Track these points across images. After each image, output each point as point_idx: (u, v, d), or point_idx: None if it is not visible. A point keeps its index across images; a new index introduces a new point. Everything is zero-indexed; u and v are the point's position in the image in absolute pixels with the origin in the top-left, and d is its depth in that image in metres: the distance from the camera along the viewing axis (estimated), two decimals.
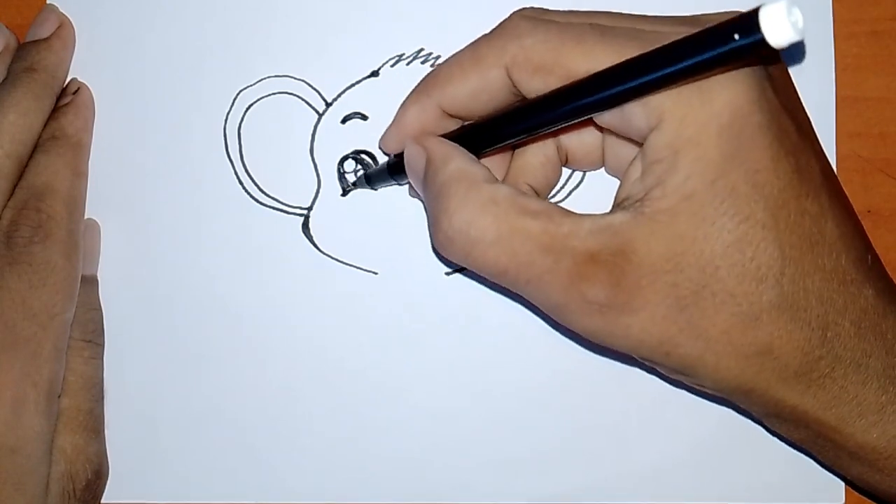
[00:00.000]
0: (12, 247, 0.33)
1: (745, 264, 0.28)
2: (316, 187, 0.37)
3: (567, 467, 0.37)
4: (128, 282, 0.37)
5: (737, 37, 0.24)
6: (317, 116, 0.38)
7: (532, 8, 0.32)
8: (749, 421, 0.36)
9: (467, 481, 0.37)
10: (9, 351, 0.33)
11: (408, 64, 0.37)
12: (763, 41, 0.23)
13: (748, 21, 0.23)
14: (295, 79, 0.37)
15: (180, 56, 0.38)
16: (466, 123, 0.33)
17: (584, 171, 0.37)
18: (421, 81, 0.33)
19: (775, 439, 0.36)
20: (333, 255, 0.37)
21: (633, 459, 0.37)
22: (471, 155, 0.31)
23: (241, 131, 0.38)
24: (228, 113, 0.38)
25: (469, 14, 0.37)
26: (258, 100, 0.38)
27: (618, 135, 0.31)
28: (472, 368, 0.37)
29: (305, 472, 0.37)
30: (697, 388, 0.32)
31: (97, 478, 0.35)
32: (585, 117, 0.29)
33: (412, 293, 0.37)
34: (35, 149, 0.35)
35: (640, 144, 0.29)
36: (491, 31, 0.32)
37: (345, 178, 0.37)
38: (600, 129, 0.33)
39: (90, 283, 0.37)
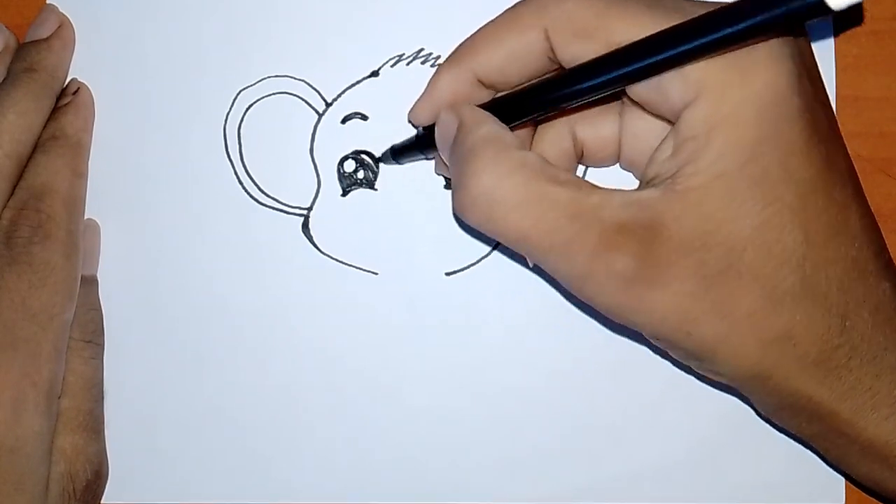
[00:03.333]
0: (12, 247, 0.33)
1: (770, 247, 0.28)
2: (316, 187, 0.37)
3: (567, 467, 0.37)
4: (127, 282, 0.37)
5: None
6: (317, 116, 0.38)
7: None
8: (749, 421, 0.36)
9: (467, 481, 0.37)
10: (8, 351, 0.33)
11: (408, 64, 0.37)
12: (823, 3, 0.23)
13: None
14: (295, 79, 0.37)
15: (180, 56, 0.38)
16: (499, 95, 0.33)
17: (584, 174, 0.37)
18: (454, 51, 0.33)
19: (775, 439, 0.36)
20: (333, 256, 0.37)
21: (633, 459, 0.37)
22: (502, 123, 0.31)
23: (241, 131, 0.38)
24: (228, 113, 0.38)
25: (469, 14, 0.37)
26: (258, 100, 0.38)
27: (647, 111, 0.31)
28: (472, 368, 0.37)
29: (305, 472, 0.37)
30: (710, 375, 0.31)
31: (97, 478, 0.35)
32: (623, 86, 0.29)
33: (412, 293, 0.37)
34: (35, 149, 0.35)
35: (669, 122, 0.29)
36: None
37: (344, 178, 0.37)
38: (619, 116, 0.33)
39: (90, 283, 0.37)
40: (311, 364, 0.37)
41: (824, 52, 0.37)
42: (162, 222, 0.37)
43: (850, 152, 0.30)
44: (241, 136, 0.38)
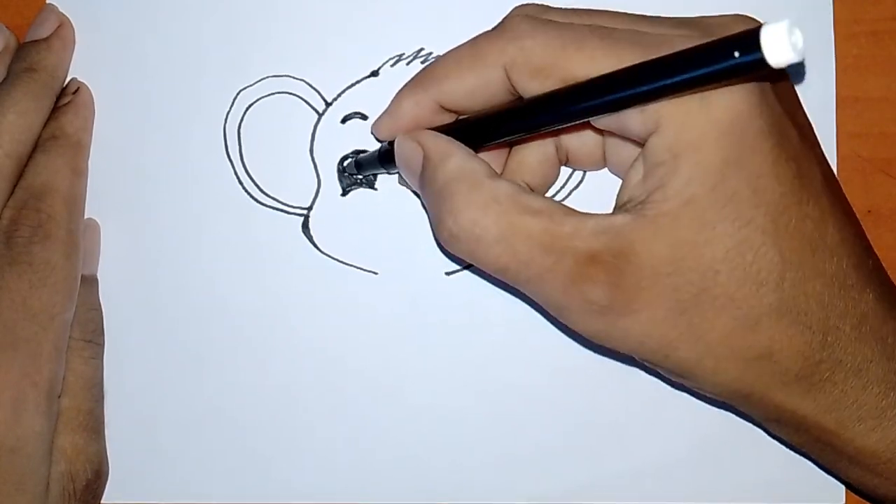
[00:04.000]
0: (12, 246, 0.33)
1: (745, 269, 0.28)
2: (316, 187, 0.37)
3: (567, 467, 0.37)
4: (127, 282, 0.37)
5: (737, 54, 0.24)
6: (317, 116, 0.38)
7: (533, 5, 0.32)
8: (749, 421, 0.36)
9: (468, 481, 0.37)
10: (8, 351, 0.33)
11: (408, 64, 0.37)
12: (763, 60, 0.23)
13: (749, 39, 0.23)
14: (295, 79, 0.37)
15: (180, 56, 0.38)
16: (462, 117, 0.33)
17: (585, 171, 0.37)
18: (418, 74, 0.33)
19: (775, 439, 0.36)
20: (333, 255, 0.37)
21: (633, 459, 0.37)
22: (469, 150, 0.31)
23: (241, 131, 0.38)
24: (228, 113, 0.38)
25: (469, 14, 0.37)
26: (258, 100, 0.38)
27: (618, 136, 0.31)
28: (473, 368, 0.37)
29: (305, 472, 0.37)
30: (697, 390, 0.32)
31: (97, 478, 0.35)
32: (582, 120, 0.29)
33: (412, 293, 0.37)
34: (35, 148, 0.35)
35: (640, 145, 0.29)
36: (491, 30, 0.32)
37: (344, 178, 0.37)
38: (599, 130, 0.33)
39: (90, 282, 0.37)
40: (311, 364, 0.37)
41: (824, 52, 0.37)
42: (162, 222, 0.37)
43: (849, 152, 0.30)
44: (241, 135, 0.38)
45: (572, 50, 0.29)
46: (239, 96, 0.38)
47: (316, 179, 0.37)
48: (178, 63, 0.38)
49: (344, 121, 0.37)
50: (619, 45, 0.28)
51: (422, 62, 0.37)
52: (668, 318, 0.28)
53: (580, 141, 0.34)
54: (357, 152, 0.37)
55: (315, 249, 0.37)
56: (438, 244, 0.36)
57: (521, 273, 0.29)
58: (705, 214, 0.28)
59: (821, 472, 0.36)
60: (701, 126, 0.27)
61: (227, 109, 0.38)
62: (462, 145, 0.31)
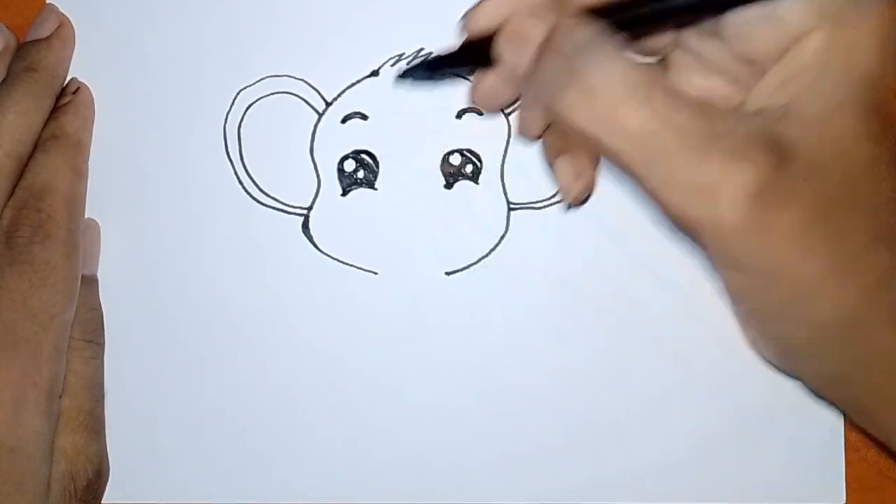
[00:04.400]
0: (12, 246, 0.33)
1: (883, 184, 0.27)
2: (316, 187, 0.37)
3: (567, 467, 0.37)
4: (127, 282, 0.37)
5: None
6: (317, 116, 0.38)
7: None
8: (750, 421, 0.36)
9: (468, 481, 0.37)
10: (9, 351, 0.33)
11: (408, 64, 0.37)
12: None
13: None
14: (295, 78, 0.37)
15: (180, 56, 0.38)
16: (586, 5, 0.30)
17: None
18: None
19: (776, 439, 0.36)
20: (333, 255, 0.37)
21: (633, 459, 0.37)
22: None
23: (241, 131, 0.38)
24: (228, 113, 0.38)
25: None
26: (258, 99, 0.37)
27: (734, 45, 0.29)
28: (473, 368, 0.37)
29: (305, 472, 0.37)
30: (786, 335, 0.30)
31: (98, 478, 0.35)
32: (742, 5, 0.27)
33: (412, 293, 0.37)
34: (35, 148, 0.35)
35: (746, 64, 0.28)
36: None
37: (347, 177, 0.37)
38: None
39: (90, 282, 0.37)
40: (311, 364, 0.37)
41: None
42: (162, 222, 0.37)
43: None
44: (241, 135, 0.38)
45: None
46: (239, 96, 0.38)
47: (316, 179, 0.37)
48: (178, 63, 0.38)
49: (344, 121, 0.37)
50: None
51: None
52: (813, 220, 0.27)
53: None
54: (357, 152, 0.37)
55: (315, 249, 0.37)
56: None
57: (671, 141, 0.27)
58: (853, 120, 0.27)
59: (821, 471, 0.36)
60: (860, 31, 0.27)
61: (227, 109, 0.38)
62: None
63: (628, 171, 0.28)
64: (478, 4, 0.32)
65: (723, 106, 0.30)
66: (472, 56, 0.32)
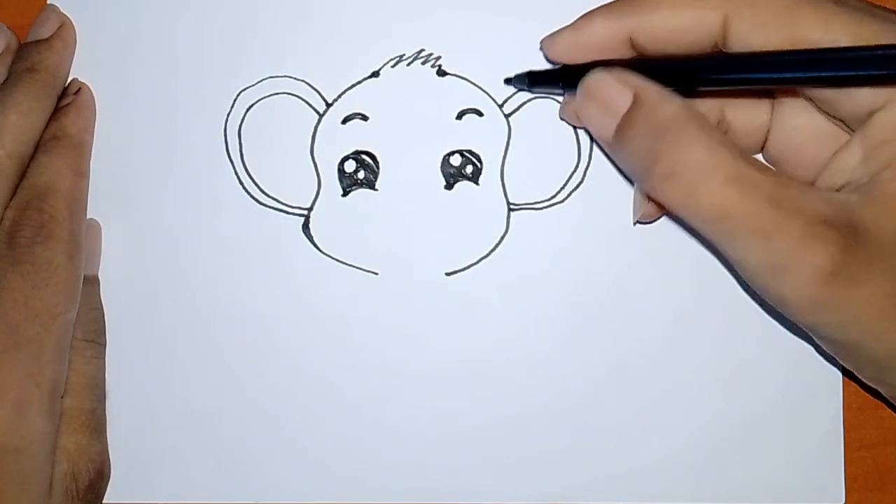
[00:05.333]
0: (15, 247, 0.33)
1: None
2: (316, 187, 0.37)
3: (567, 467, 0.37)
4: (129, 282, 0.37)
5: None
6: (317, 117, 0.38)
7: None
8: (749, 421, 0.36)
9: (467, 481, 0.37)
10: (11, 351, 0.33)
11: (408, 64, 0.37)
12: None
13: None
14: (295, 79, 0.37)
15: (180, 56, 0.38)
16: (662, 56, 0.31)
17: (585, 174, 0.37)
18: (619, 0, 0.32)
19: (776, 439, 0.36)
20: (333, 255, 0.37)
21: (632, 459, 0.37)
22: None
23: (242, 132, 0.38)
24: (229, 113, 0.38)
25: (469, 14, 0.37)
26: (259, 100, 0.37)
27: (819, 108, 0.30)
28: (472, 368, 0.37)
29: (305, 472, 0.37)
30: (886, 388, 0.31)
31: (100, 477, 0.36)
32: (812, 86, 0.28)
33: (412, 293, 0.37)
34: (37, 149, 0.35)
35: (837, 121, 0.28)
36: None
37: (348, 177, 0.37)
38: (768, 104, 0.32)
39: (92, 283, 0.37)
40: (311, 364, 0.37)
41: None
42: (163, 222, 0.38)
43: None
44: (242, 136, 0.38)
45: (808, 9, 0.28)
46: (239, 97, 0.38)
47: (316, 179, 0.37)
48: (179, 64, 0.38)
49: (344, 121, 0.37)
50: (857, 14, 0.27)
51: (422, 62, 0.37)
52: (891, 295, 0.27)
53: (746, 118, 0.33)
54: (357, 152, 0.37)
55: (315, 249, 0.37)
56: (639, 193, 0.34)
57: (745, 222, 0.27)
58: None
59: (821, 471, 0.36)
60: None
61: (228, 110, 0.38)
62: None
63: (712, 243, 0.29)
64: (557, 34, 0.33)
65: (823, 149, 0.30)
66: (567, 79, 0.33)
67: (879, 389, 0.31)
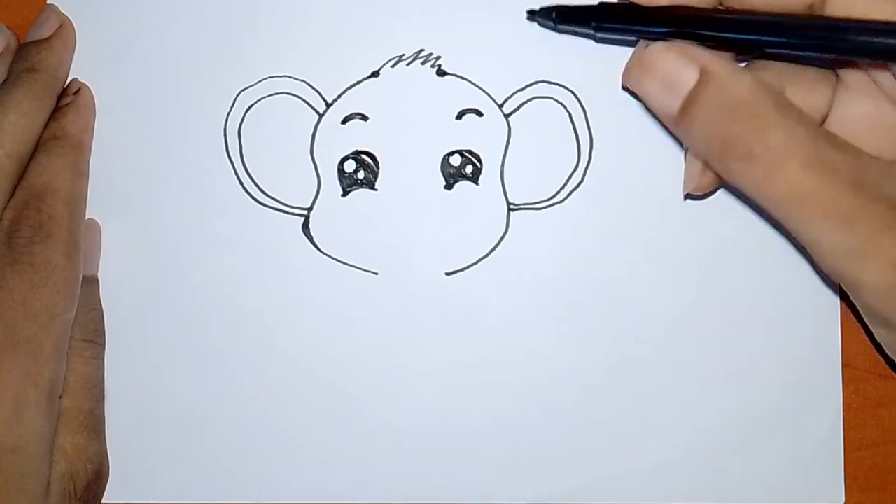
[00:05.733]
0: (13, 247, 0.33)
1: None
2: (316, 187, 0.37)
3: (567, 467, 0.37)
4: (128, 282, 0.37)
5: None
6: (317, 117, 0.38)
7: None
8: (749, 421, 0.36)
9: (467, 481, 0.37)
10: (10, 351, 0.33)
11: (408, 64, 0.37)
12: None
13: None
14: (295, 79, 0.38)
15: (180, 56, 0.38)
16: (743, 10, 0.30)
17: (585, 174, 0.37)
18: None
19: (776, 439, 0.36)
20: (333, 255, 0.37)
21: (632, 459, 0.37)
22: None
23: (242, 131, 0.38)
24: (228, 113, 0.38)
25: (469, 14, 0.37)
26: (258, 100, 0.38)
27: (890, 98, 0.29)
28: (472, 368, 0.37)
29: (305, 472, 0.37)
30: None
31: (98, 478, 0.36)
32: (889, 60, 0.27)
33: (412, 293, 0.37)
34: (36, 149, 0.35)
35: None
36: None
37: (347, 177, 0.37)
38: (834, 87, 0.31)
39: (91, 283, 0.37)
40: (311, 364, 0.37)
41: None
42: (162, 222, 0.38)
43: None
44: (242, 136, 0.38)
45: None
46: (239, 97, 0.38)
47: (316, 179, 0.38)
48: (179, 63, 0.38)
49: (344, 121, 0.37)
50: None
51: (422, 63, 0.37)
52: None
53: (805, 99, 0.31)
54: (357, 152, 0.37)
55: (315, 249, 0.37)
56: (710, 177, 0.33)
57: (824, 206, 0.27)
58: None
59: (821, 471, 0.36)
60: None
61: (228, 110, 0.38)
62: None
63: (784, 226, 0.29)
64: None
65: (884, 140, 0.29)
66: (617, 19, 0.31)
67: None
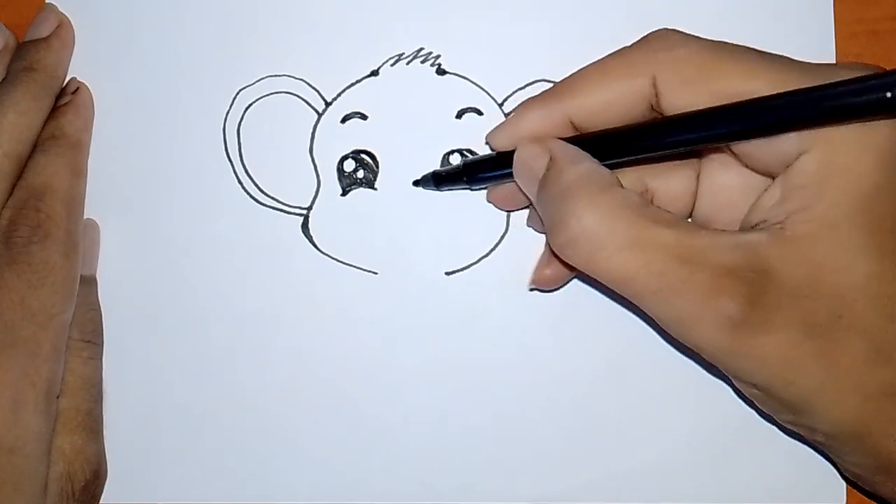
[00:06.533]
0: (11, 246, 0.33)
1: (882, 300, 0.27)
2: (316, 187, 0.37)
3: (567, 467, 0.37)
4: (127, 282, 0.37)
5: None
6: (316, 116, 0.38)
7: (674, 30, 0.31)
8: (750, 421, 0.36)
9: (467, 481, 0.37)
10: (7, 351, 0.32)
11: (408, 63, 0.37)
12: None
13: None
14: (294, 78, 0.37)
15: (180, 56, 0.38)
16: (590, 132, 0.32)
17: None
18: (549, 88, 0.32)
19: (777, 439, 0.36)
20: (333, 255, 0.37)
21: (633, 459, 0.36)
22: (596, 160, 0.30)
23: (241, 131, 0.38)
24: (228, 113, 0.38)
25: (469, 14, 0.37)
26: (258, 99, 0.38)
27: (743, 163, 0.30)
28: (472, 368, 0.37)
29: (305, 472, 0.37)
30: (804, 431, 0.31)
31: (95, 478, 0.35)
32: (739, 141, 0.29)
33: (412, 293, 0.37)
34: (34, 148, 0.35)
35: (763, 175, 0.29)
36: (635, 43, 0.31)
37: (347, 177, 0.37)
38: (693, 170, 0.33)
39: (89, 283, 0.37)
40: (311, 364, 0.37)
41: (825, 51, 0.37)
42: (161, 222, 0.37)
43: None
44: (241, 135, 0.38)
45: (729, 63, 0.28)
46: (238, 96, 0.38)
47: (316, 179, 0.37)
48: (178, 63, 0.38)
49: (344, 120, 0.37)
50: (776, 64, 0.28)
51: (421, 62, 0.37)
52: (799, 341, 0.28)
53: (667, 185, 0.33)
54: (357, 152, 0.37)
55: (315, 249, 0.37)
56: (552, 254, 0.34)
57: (649, 284, 0.28)
58: (848, 240, 0.27)
59: (821, 471, 0.36)
60: (856, 150, 0.27)
61: (227, 109, 0.38)
62: (591, 156, 0.30)
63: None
64: (496, 129, 0.34)
65: (751, 202, 0.30)
66: (499, 165, 0.34)
67: (798, 432, 0.32)
